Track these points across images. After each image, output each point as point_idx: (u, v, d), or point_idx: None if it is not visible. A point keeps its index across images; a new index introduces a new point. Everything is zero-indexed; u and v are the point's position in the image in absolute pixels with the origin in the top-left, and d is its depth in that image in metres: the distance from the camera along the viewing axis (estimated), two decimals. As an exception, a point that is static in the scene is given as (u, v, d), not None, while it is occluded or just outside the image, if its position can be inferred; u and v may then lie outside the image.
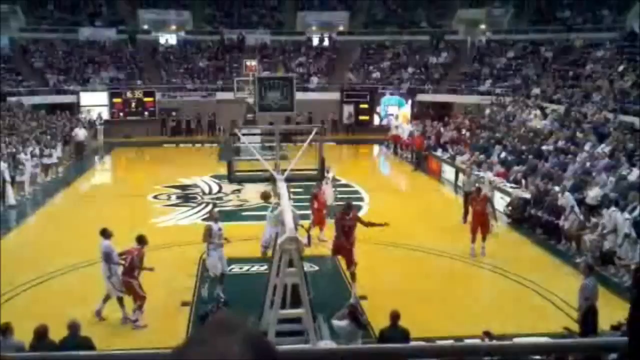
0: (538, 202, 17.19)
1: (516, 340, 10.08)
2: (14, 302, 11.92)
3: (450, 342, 10.69)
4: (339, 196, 18.01)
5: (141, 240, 11.40)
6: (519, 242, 16.56)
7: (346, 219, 12.42)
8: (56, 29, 40.25)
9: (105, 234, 11.47)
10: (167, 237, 15.95)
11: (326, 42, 42.99)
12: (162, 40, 42.23)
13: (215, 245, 12.14)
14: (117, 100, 36.32)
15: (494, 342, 10.30)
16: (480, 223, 15.01)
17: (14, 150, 22.42)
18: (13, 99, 33.16)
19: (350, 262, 12.19)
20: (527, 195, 18.09)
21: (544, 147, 21.40)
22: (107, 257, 11.25)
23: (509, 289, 13.09)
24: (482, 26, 41.48)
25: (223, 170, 20.24)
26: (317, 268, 13.75)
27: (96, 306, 11.34)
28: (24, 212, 19.78)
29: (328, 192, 17.40)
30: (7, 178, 20.04)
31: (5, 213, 19.06)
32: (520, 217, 17.84)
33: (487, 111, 30.23)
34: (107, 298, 11.38)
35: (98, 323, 11.13)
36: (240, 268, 14.01)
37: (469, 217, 16.15)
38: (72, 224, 17.88)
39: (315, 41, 43.25)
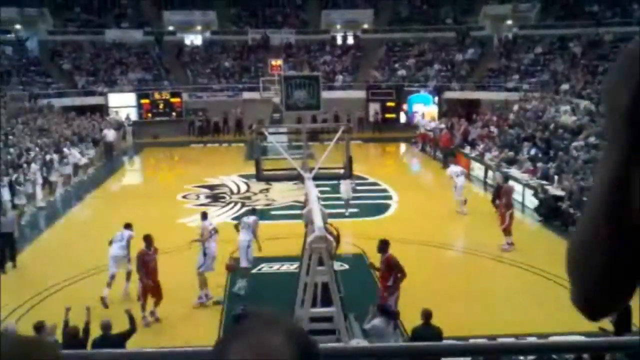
0: (570, 199, 16.96)
1: (551, 338, 9.96)
2: (46, 302, 12.07)
3: (483, 340, 10.63)
4: (369, 194, 17.97)
5: (148, 240, 11.55)
6: (551, 240, 16.34)
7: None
8: (83, 31, 40.76)
9: (130, 226, 12.81)
10: (196, 237, 16.02)
11: (351, 40, 42.91)
12: (187, 41, 42.54)
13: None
14: (144, 101, 36.67)
15: (529, 340, 10.21)
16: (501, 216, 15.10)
17: (45, 152, 22.80)
18: (44, 101, 33.69)
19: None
20: (559, 192, 17.87)
21: (574, 143, 21.10)
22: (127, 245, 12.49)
23: (542, 287, 12.91)
24: (509, 22, 41.05)
25: (250, 169, 20.40)
26: (347, 266, 13.71)
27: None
28: (55, 213, 20.02)
29: (344, 187, 17.33)
30: (39, 180, 20.37)
31: (35, 215, 19.34)
32: (551, 214, 17.62)
33: (515, 107, 29.89)
34: (128, 275, 12.37)
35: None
36: (270, 267, 14.03)
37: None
38: (102, 224, 18.07)
39: (340, 39, 43.20)
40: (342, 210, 17.79)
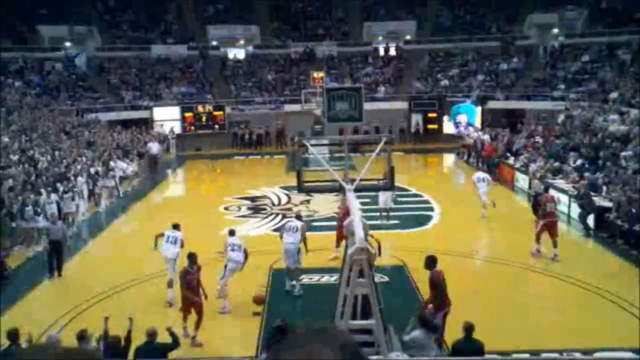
0: (618, 210, 16.47)
1: (597, 355, 9.65)
2: (89, 312, 12.24)
3: (526, 356, 10.36)
4: (410, 206, 17.76)
5: (191, 258, 11.37)
6: (598, 252, 15.89)
7: None
8: (130, 47, 41.70)
9: (178, 227, 13.52)
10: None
11: (393, 52, 42.79)
12: (230, 55, 43.09)
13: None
14: (188, 114, 37.22)
15: (574, 356, 9.89)
16: (549, 225, 14.82)
17: (90, 164, 23.33)
18: (91, 115, 34.53)
19: None
20: (606, 203, 17.38)
21: (623, 153, 20.52)
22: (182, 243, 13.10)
23: (588, 301, 12.52)
24: (555, 30, 40.35)
25: (291, 181, 20.49)
26: (387, 279, 13.56)
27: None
28: (99, 225, 20.37)
29: (382, 197, 17.46)
30: (85, 192, 20.84)
31: (80, 225, 19.72)
32: (598, 226, 17.13)
33: (562, 117, 29.28)
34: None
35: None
36: (310, 278, 13.97)
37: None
38: (144, 236, 18.34)
39: (382, 51, 43.13)
40: (383, 222, 17.67)
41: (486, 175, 19.64)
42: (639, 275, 13.30)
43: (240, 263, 12.51)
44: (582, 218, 17.50)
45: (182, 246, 12.97)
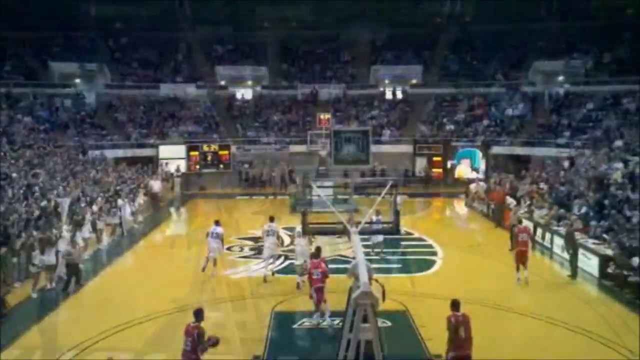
0: (622, 259, 16.34)
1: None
2: (89, 352, 12.09)
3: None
4: (412, 250, 17.68)
5: (198, 315, 10.18)
6: (604, 302, 15.69)
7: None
8: (139, 85, 42.20)
9: (219, 222, 18.05)
10: (239, 289, 16.04)
11: (399, 95, 43.17)
12: (238, 95, 43.53)
13: None
14: (194, 153, 37.40)
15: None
16: (519, 254, 16.81)
17: (94, 201, 23.36)
18: (97, 152, 34.69)
19: None
20: (610, 252, 17.29)
21: (627, 202, 20.44)
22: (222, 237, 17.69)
23: (599, 354, 12.29)
24: (560, 77, 40.71)
25: (295, 222, 20.40)
26: (389, 323, 13.39)
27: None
28: (99, 262, 20.20)
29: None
30: (89, 228, 20.80)
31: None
32: (606, 276, 17.00)
33: (566, 164, 29.29)
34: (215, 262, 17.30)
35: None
36: (312, 322, 13.79)
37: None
38: (144, 275, 18.28)
39: (388, 94, 43.52)
40: (389, 265, 17.62)
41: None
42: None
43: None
44: (570, 261, 17.72)
45: (222, 239, 17.58)
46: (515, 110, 39.36)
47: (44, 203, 21.36)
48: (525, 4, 43.22)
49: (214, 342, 9.94)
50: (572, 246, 17.89)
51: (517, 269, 16.78)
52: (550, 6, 44.39)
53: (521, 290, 16.33)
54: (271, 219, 18.10)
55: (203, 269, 17.26)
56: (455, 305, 10.35)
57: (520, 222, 18.77)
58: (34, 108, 37.30)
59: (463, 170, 35.90)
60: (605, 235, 18.72)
